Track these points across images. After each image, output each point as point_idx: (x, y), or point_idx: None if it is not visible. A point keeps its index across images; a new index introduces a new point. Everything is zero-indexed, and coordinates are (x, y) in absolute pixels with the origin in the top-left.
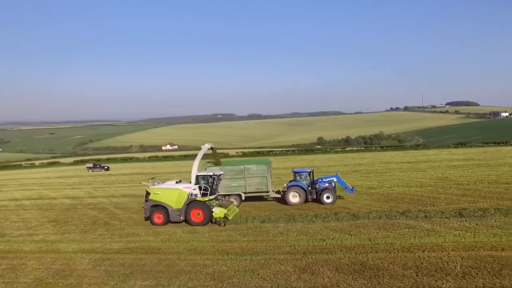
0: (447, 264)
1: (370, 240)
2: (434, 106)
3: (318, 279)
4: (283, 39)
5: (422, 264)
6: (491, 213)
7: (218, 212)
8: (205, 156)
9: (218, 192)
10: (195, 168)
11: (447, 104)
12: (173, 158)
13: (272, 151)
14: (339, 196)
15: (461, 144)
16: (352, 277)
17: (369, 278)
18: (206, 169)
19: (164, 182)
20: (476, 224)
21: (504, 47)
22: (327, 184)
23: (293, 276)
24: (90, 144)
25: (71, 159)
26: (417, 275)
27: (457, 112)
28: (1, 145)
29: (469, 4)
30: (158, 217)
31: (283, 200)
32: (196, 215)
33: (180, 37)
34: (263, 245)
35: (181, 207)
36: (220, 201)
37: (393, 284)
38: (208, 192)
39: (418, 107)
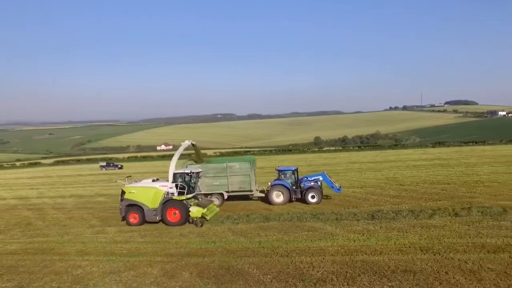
0: (313, 268)
1: (259, 243)
2: (433, 105)
3: (171, 282)
4: (284, 39)
5: (288, 268)
6: (403, 215)
7: (195, 211)
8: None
9: (200, 191)
10: (172, 166)
11: (446, 103)
12: (152, 158)
13: (249, 150)
14: (326, 196)
15: (439, 143)
16: (207, 281)
17: (223, 283)
18: (187, 166)
19: (140, 181)
20: (380, 227)
21: (503, 47)
22: (312, 183)
23: (151, 279)
24: (88, 145)
25: (52, 160)
26: (271, 281)
27: (455, 111)
28: (1, 145)
29: (469, 4)
30: (133, 217)
31: (267, 199)
32: (173, 214)
33: (180, 37)
34: (152, 246)
35: (157, 207)
36: (200, 200)
37: None
38: (185, 191)
39: (417, 107)
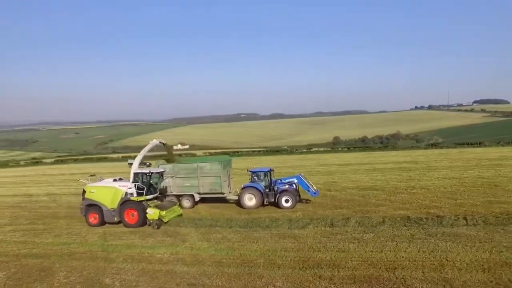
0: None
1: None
2: (460, 105)
3: None
4: (316, 37)
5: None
6: (279, 223)
7: (152, 213)
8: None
9: (171, 192)
10: (135, 165)
11: (475, 102)
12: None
13: (238, 151)
14: (306, 200)
15: (432, 145)
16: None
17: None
18: (158, 166)
19: (103, 180)
20: (264, 234)
21: None
22: (287, 186)
23: None
24: (110, 144)
25: (52, 159)
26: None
27: (483, 110)
28: (30, 144)
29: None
30: (93, 218)
31: (239, 202)
32: (131, 216)
33: (212, 37)
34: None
35: (115, 207)
36: (163, 202)
37: None
38: (144, 191)
39: (443, 106)
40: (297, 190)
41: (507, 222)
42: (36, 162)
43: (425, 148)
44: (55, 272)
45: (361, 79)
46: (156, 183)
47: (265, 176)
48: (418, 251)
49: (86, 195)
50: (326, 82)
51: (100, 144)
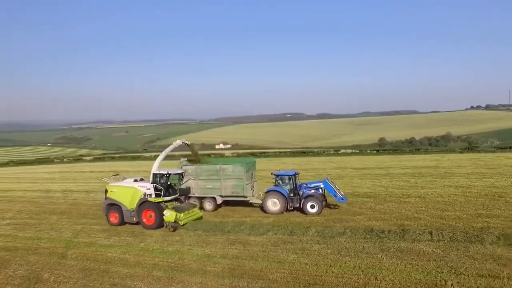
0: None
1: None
2: None
3: None
4: (373, 37)
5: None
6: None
7: (168, 215)
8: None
9: (193, 194)
10: (155, 166)
11: None
12: (174, 157)
13: (266, 152)
14: (334, 206)
15: (469, 148)
16: None
17: None
18: (181, 167)
19: (125, 179)
20: (219, 238)
21: None
22: (312, 191)
23: None
24: (157, 142)
25: (92, 157)
26: None
27: None
28: (83, 141)
29: None
30: (114, 217)
31: (262, 206)
32: (148, 217)
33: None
34: None
35: (134, 208)
36: (182, 203)
37: None
38: (162, 193)
39: (503, 105)
40: (323, 195)
41: (475, 240)
42: (77, 159)
43: (460, 152)
44: (9, 265)
45: (413, 78)
46: (175, 184)
47: (289, 180)
48: (354, 267)
49: (108, 195)
50: (375, 81)
51: (148, 142)
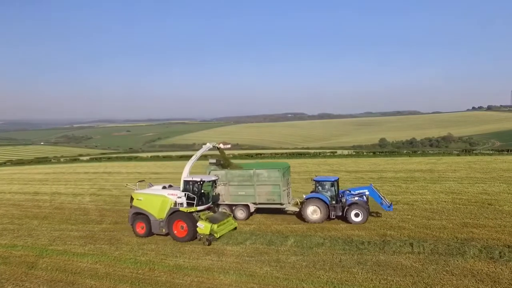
0: None
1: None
2: None
3: None
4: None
5: None
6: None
7: (202, 227)
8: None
9: (223, 202)
10: (185, 172)
11: None
12: (170, 158)
13: (261, 153)
14: (377, 213)
15: (466, 151)
16: None
17: None
18: (209, 172)
19: (152, 186)
20: (195, 248)
21: None
22: (356, 198)
23: None
24: (158, 142)
25: (88, 157)
26: None
27: None
28: (84, 141)
29: None
30: (141, 227)
31: (301, 215)
32: (180, 228)
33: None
34: None
35: (164, 218)
36: (215, 213)
37: None
38: (195, 202)
39: (505, 106)
40: (367, 203)
41: (456, 253)
42: (74, 159)
43: (457, 155)
44: None
45: (415, 78)
46: (208, 193)
47: (331, 186)
48: (326, 282)
49: (134, 203)
50: (377, 82)
51: (148, 142)
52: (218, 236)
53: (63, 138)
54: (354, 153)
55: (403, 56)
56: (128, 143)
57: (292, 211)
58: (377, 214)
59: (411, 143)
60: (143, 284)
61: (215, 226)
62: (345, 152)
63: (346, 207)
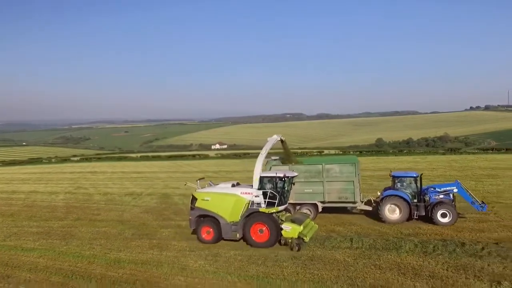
0: None
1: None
2: None
3: None
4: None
5: None
6: None
7: (289, 230)
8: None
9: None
10: (258, 167)
11: None
12: (159, 158)
13: (250, 153)
14: (459, 214)
15: (452, 150)
16: None
17: None
18: (270, 168)
19: (216, 185)
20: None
21: None
22: (442, 196)
23: None
24: (155, 142)
25: (79, 157)
26: None
27: None
28: (82, 141)
29: None
30: (207, 232)
31: (376, 214)
32: (259, 232)
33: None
34: None
35: (238, 220)
36: (292, 214)
37: None
38: (277, 201)
39: (502, 106)
40: (453, 201)
41: (392, 247)
42: (65, 159)
43: (443, 153)
44: None
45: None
46: (288, 191)
47: (413, 182)
48: (251, 276)
49: (198, 204)
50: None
51: (146, 142)
52: (307, 240)
53: (61, 139)
54: (341, 152)
55: (403, 56)
56: (126, 144)
57: (363, 209)
58: (460, 215)
59: (408, 143)
60: (75, 276)
61: (301, 227)
62: (332, 151)
63: (431, 207)
